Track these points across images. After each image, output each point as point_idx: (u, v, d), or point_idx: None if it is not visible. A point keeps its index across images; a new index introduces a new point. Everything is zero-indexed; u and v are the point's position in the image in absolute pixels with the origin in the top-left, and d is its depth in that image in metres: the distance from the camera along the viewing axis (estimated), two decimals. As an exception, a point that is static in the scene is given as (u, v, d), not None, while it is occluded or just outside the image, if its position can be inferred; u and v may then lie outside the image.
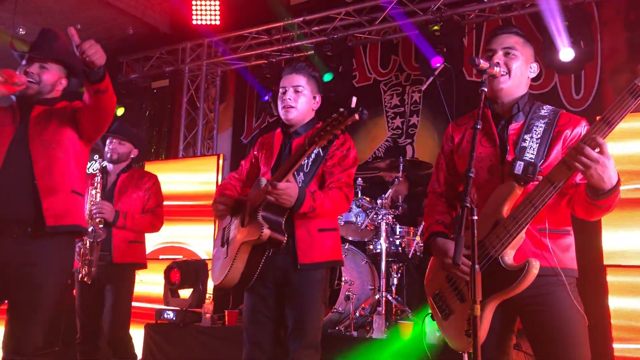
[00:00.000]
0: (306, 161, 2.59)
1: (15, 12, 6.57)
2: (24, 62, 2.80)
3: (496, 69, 2.08)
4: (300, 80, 2.72)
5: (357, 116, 2.14)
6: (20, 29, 6.82)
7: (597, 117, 4.21)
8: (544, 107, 2.20)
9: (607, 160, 1.78)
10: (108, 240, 3.84)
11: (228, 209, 2.73)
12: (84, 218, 2.85)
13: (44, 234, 2.57)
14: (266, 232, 2.41)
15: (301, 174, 2.59)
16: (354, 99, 2.19)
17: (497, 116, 2.20)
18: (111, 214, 3.79)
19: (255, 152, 2.91)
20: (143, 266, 4.17)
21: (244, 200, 2.72)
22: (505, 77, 2.14)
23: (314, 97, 2.75)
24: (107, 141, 4.11)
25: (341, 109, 2.17)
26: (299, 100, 2.70)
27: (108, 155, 4.08)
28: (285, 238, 2.47)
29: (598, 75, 5.59)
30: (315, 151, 2.54)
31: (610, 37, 5.56)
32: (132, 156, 4.17)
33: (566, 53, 5.25)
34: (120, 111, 7.46)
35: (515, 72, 2.16)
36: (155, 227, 4.07)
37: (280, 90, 2.75)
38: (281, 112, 2.74)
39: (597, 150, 1.78)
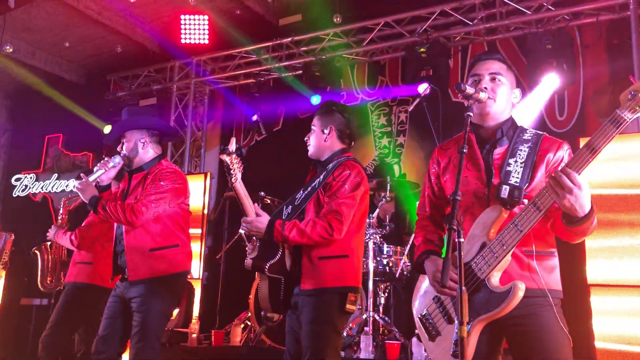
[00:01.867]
0: (301, 194, 2.85)
1: (3, 29, 6.57)
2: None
3: (482, 95, 2.12)
4: (314, 120, 3.05)
5: (224, 156, 2.58)
6: (7, 46, 6.80)
7: (580, 139, 4.36)
8: (527, 131, 2.25)
9: (579, 190, 1.82)
10: None
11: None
12: (174, 264, 3.32)
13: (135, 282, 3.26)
14: (248, 262, 2.73)
15: (290, 207, 2.83)
16: (232, 140, 2.60)
17: (481, 141, 2.25)
18: None
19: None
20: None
21: None
22: (491, 102, 2.19)
23: (323, 131, 2.96)
24: None
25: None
26: (311, 138, 3.01)
27: None
28: (267, 265, 2.69)
29: (581, 97, 5.71)
30: (312, 184, 2.83)
31: (592, 60, 5.70)
32: None
33: (551, 79, 5.37)
34: (107, 129, 7.43)
35: (501, 97, 2.22)
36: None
37: None
38: None
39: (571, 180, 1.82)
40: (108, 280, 4.02)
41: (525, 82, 5.58)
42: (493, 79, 2.22)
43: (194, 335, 5.00)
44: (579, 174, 1.83)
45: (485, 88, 2.17)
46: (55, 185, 8.47)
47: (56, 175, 8.50)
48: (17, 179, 8.84)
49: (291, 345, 2.77)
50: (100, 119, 7.73)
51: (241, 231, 5.43)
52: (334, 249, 2.72)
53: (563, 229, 1.98)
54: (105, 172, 3.38)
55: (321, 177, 2.82)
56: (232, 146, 2.61)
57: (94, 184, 3.35)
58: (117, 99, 7.92)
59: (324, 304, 2.67)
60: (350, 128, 3.00)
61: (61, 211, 4.48)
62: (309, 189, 2.82)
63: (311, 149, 3.00)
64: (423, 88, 5.34)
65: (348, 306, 2.69)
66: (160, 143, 3.60)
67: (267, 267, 2.67)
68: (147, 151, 3.46)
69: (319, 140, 2.96)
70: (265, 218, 2.71)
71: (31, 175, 8.76)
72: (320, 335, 2.63)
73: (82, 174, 3.35)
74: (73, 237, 4.07)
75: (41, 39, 7.72)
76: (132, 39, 7.49)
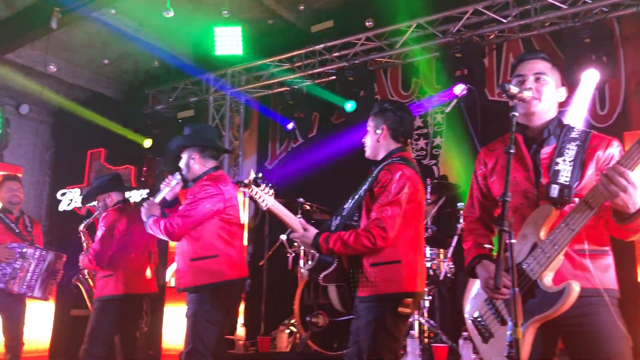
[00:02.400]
0: (349, 204, 2.86)
1: (46, 50, 6.80)
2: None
3: (526, 93, 2.10)
4: (368, 121, 3.03)
5: (242, 189, 2.72)
6: (52, 66, 7.04)
7: (624, 133, 4.24)
8: (574, 129, 2.22)
9: (634, 188, 1.81)
10: None
11: None
12: (214, 274, 3.40)
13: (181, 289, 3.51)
14: (304, 272, 2.80)
15: (338, 218, 2.85)
16: (250, 172, 2.72)
17: (528, 140, 2.23)
18: None
19: None
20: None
21: None
22: (536, 102, 2.17)
23: (376, 131, 2.96)
24: None
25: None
26: (367, 139, 3.01)
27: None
28: (321, 276, 2.78)
29: (623, 91, 5.57)
30: (359, 192, 2.84)
31: (634, 51, 5.55)
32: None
33: (591, 75, 5.25)
34: (147, 142, 7.58)
35: (546, 97, 2.20)
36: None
37: None
38: None
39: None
40: (131, 287, 4.21)
41: (563, 77, 5.47)
42: (537, 79, 2.21)
43: (241, 342, 5.07)
44: (631, 171, 1.81)
45: (530, 88, 2.16)
46: (98, 198, 8.68)
47: (99, 188, 8.72)
48: (63, 194, 9.13)
49: (350, 346, 2.81)
50: (139, 133, 7.92)
51: (282, 237, 5.51)
52: (385, 255, 2.71)
53: (616, 226, 1.95)
54: (170, 189, 3.58)
55: (367, 184, 2.82)
56: (248, 177, 2.71)
57: (159, 202, 3.56)
58: (155, 113, 8.09)
59: (377, 309, 2.69)
60: (404, 125, 2.95)
61: (83, 238, 4.61)
62: (356, 197, 2.82)
63: (367, 150, 3.00)
64: (459, 89, 5.30)
65: (401, 309, 2.66)
66: (215, 157, 3.73)
67: (321, 278, 2.75)
68: (199, 167, 3.61)
69: (373, 141, 2.96)
70: (311, 232, 2.75)
71: (75, 189, 9.02)
72: (374, 338, 2.65)
73: (147, 197, 3.54)
74: (90, 258, 4.22)
75: (81, 57, 7.97)
76: (168, 53, 7.66)
